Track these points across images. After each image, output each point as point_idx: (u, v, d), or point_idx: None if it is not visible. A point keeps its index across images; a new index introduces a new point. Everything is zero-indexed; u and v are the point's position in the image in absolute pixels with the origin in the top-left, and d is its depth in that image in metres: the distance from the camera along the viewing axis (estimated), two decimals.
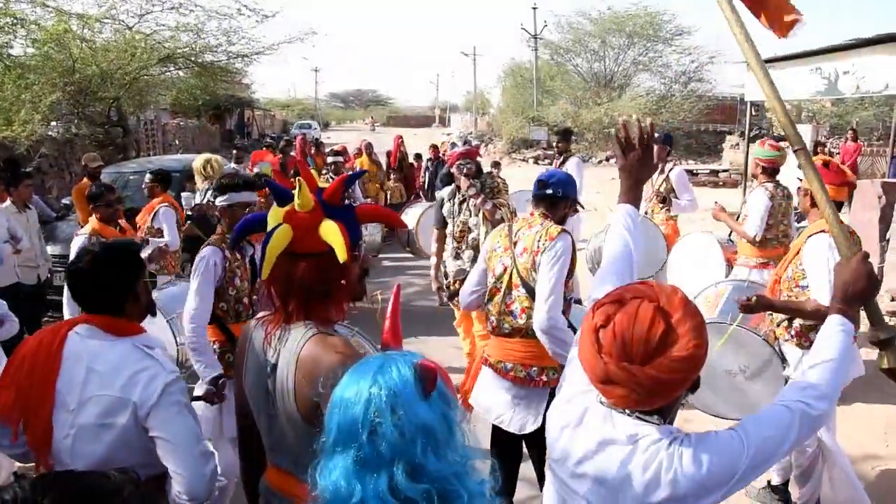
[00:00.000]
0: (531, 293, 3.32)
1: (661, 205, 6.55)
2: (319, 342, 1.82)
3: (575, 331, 2.96)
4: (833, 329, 1.79)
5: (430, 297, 7.60)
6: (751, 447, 1.51)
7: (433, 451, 1.24)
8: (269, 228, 1.89)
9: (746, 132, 18.39)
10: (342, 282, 1.93)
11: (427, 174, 12.96)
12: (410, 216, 7.91)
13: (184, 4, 18.02)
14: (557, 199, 3.52)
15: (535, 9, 36.06)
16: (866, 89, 10.36)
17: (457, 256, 5.52)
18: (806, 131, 15.82)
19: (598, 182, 18.27)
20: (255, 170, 6.53)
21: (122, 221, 5.77)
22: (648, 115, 29.90)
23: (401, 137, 11.81)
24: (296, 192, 1.87)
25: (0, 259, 5.81)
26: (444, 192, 5.73)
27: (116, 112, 19.05)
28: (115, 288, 2.22)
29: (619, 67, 35.62)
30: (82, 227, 5.74)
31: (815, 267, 3.57)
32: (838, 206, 3.96)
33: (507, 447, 3.43)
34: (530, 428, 3.32)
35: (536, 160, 29.62)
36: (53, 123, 16.48)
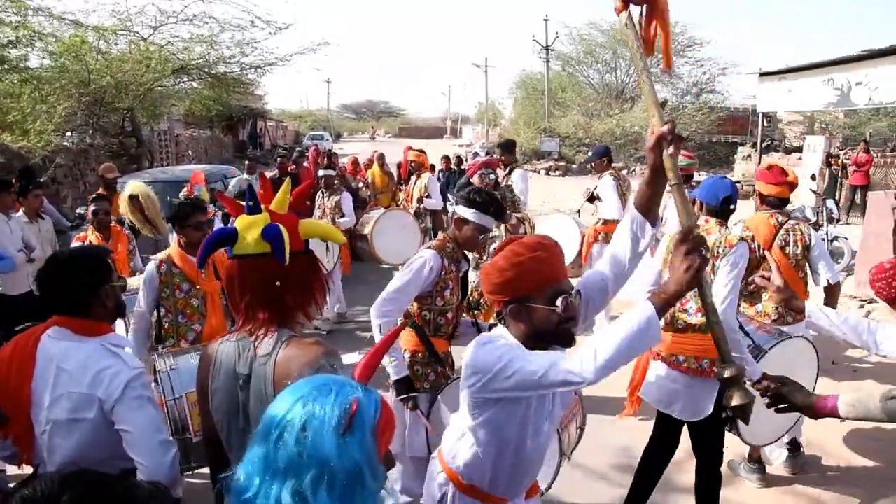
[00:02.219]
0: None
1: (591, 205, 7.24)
2: (295, 344, 1.85)
3: (746, 333, 3.53)
4: (637, 309, 1.89)
5: None
6: (507, 361, 1.96)
7: (327, 490, 1.23)
8: (241, 235, 1.92)
9: (759, 143, 18.36)
10: (314, 284, 1.98)
11: (439, 185, 12.99)
12: (368, 219, 7.96)
13: (198, 16, 18.29)
14: (731, 211, 3.86)
15: (546, 20, 36.13)
16: (879, 100, 10.32)
17: (477, 267, 5.56)
18: (819, 142, 15.73)
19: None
20: (195, 192, 6.27)
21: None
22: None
23: (410, 148, 11.83)
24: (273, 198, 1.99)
25: (14, 266, 5.85)
26: None
27: (130, 122, 19.25)
28: (81, 291, 2.33)
29: (631, 79, 35.60)
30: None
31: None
32: (783, 202, 4.54)
33: (671, 436, 3.76)
34: (703, 415, 3.54)
35: (548, 171, 29.60)
36: (68, 134, 16.68)
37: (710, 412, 3.54)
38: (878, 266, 2.30)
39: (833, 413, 2.15)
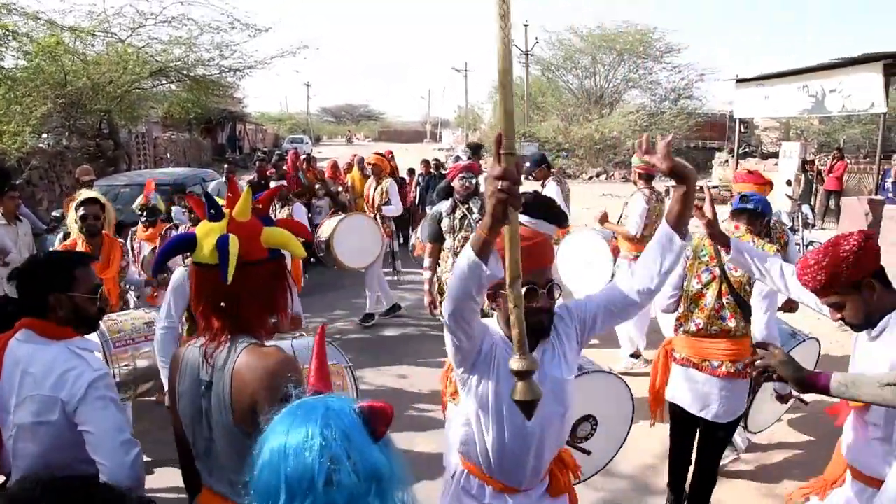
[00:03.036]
0: (741, 304, 3.65)
1: None
2: (253, 352, 1.83)
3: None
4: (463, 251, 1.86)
5: (418, 314, 7.63)
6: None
7: (380, 498, 1.16)
8: (200, 243, 1.90)
9: (736, 149, 18.59)
10: (276, 292, 1.97)
11: (418, 189, 12.96)
12: (326, 227, 7.82)
13: (177, 18, 18.12)
14: (757, 215, 3.93)
15: (526, 26, 36.30)
16: (852, 107, 10.51)
17: None
18: (795, 148, 15.96)
19: (588, 198, 18.34)
20: (152, 201, 6.09)
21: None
22: (639, 131, 30.13)
23: (391, 152, 11.81)
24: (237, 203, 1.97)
25: None
26: (441, 207, 5.76)
27: (108, 125, 19.04)
28: (35, 293, 2.37)
29: (610, 84, 35.88)
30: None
31: None
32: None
33: (692, 434, 3.86)
34: (738, 414, 3.77)
35: (527, 175, 29.71)
36: (44, 136, 16.47)
37: (743, 410, 3.81)
38: (804, 260, 2.38)
39: (824, 390, 2.17)
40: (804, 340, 4.50)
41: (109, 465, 2.16)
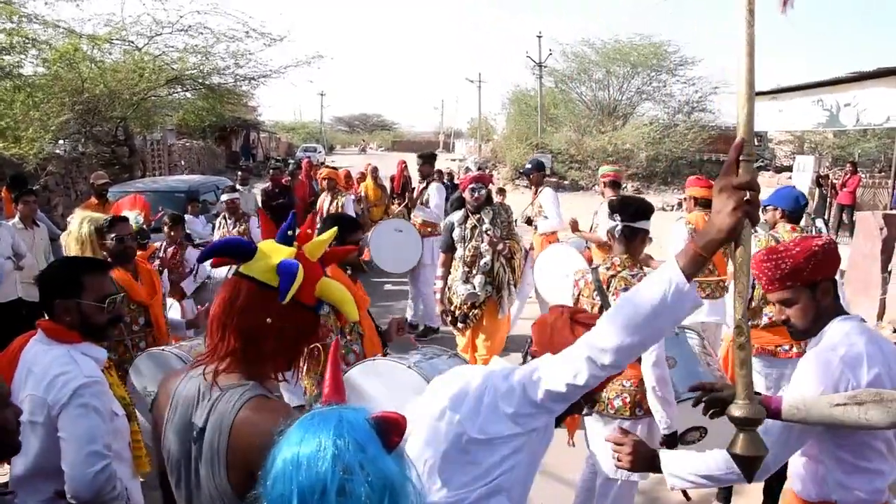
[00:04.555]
0: None
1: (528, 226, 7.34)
2: (259, 406, 1.56)
3: None
4: (660, 274, 1.55)
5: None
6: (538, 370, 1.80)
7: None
8: (259, 256, 1.68)
9: None
10: (301, 345, 1.73)
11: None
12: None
13: (193, 27, 18.27)
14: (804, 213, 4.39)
15: (539, 37, 36.34)
16: (867, 121, 10.45)
17: (466, 281, 5.59)
18: (808, 162, 15.89)
19: (602, 210, 18.25)
20: (133, 222, 5.34)
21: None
22: (652, 143, 30.08)
23: (404, 162, 11.85)
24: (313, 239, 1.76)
25: (0, 276, 5.83)
26: (454, 217, 5.81)
27: (123, 132, 19.22)
28: (46, 294, 2.42)
29: (623, 96, 35.82)
30: None
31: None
32: (708, 203, 5.11)
33: None
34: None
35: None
36: (61, 142, 16.64)
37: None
38: (770, 248, 2.37)
39: (776, 414, 2.05)
40: None
41: (69, 473, 2.15)
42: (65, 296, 2.39)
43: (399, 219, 8.40)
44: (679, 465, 2.22)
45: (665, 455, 2.27)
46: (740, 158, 1.42)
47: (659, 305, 1.51)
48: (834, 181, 15.90)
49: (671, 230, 6.06)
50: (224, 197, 7.45)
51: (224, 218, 7.43)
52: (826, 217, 14.63)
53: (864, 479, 2.16)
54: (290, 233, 1.74)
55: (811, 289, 2.26)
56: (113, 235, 4.02)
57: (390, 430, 1.18)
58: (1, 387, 1.75)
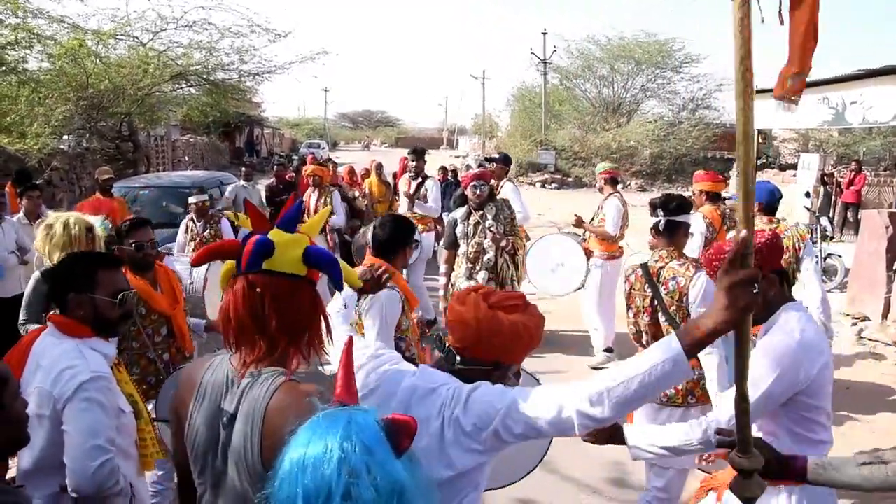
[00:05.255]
0: None
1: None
2: (291, 390, 1.59)
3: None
4: (661, 346, 1.62)
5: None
6: (505, 408, 1.74)
7: None
8: (280, 249, 1.66)
9: (754, 160, 18.43)
10: (316, 322, 1.74)
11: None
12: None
13: (198, 23, 18.27)
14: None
15: (545, 34, 36.30)
16: (873, 119, 10.40)
17: (469, 277, 5.61)
18: (813, 160, 15.83)
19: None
20: (99, 228, 4.92)
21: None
22: (657, 141, 30.01)
23: (406, 159, 11.81)
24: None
25: (2, 273, 5.85)
26: (457, 214, 5.86)
27: (128, 127, 19.24)
28: (59, 288, 2.43)
29: (628, 93, 35.78)
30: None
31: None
32: (718, 196, 5.74)
33: None
34: None
35: (544, 184, 29.68)
36: (65, 137, 16.66)
37: None
38: (718, 246, 2.52)
39: (801, 473, 2.02)
40: None
41: (71, 466, 2.15)
42: (78, 290, 2.40)
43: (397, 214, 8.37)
44: (642, 438, 2.35)
45: (629, 428, 2.40)
46: (743, 252, 1.48)
47: (659, 381, 1.58)
48: (839, 179, 15.84)
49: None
50: (192, 199, 7.03)
51: (192, 220, 7.00)
52: (831, 215, 14.59)
53: (813, 449, 2.34)
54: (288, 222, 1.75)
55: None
56: (132, 241, 3.74)
57: (400, 432, 1.16)
58: (10, 379, 1.74)
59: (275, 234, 1.68)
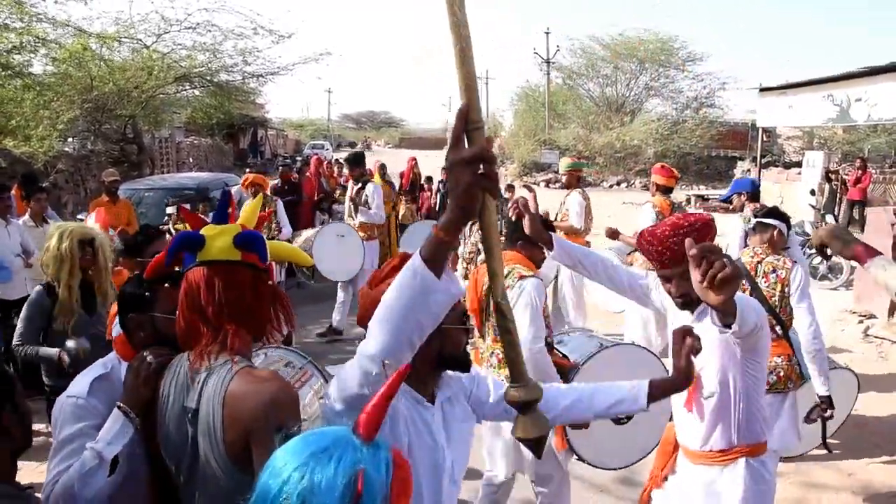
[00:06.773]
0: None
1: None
2: (246, 376, 1.65)
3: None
4: (405, 267, 1.45)
5: None
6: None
7: None
8: (209, 242, 1.77)
9: (758, 158, 18.41)
10: (263, 303, 1.82)
11: (439, 196, 13.01)
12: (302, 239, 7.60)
13: (201, 25, 18.31)
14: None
15: (548, 33, 36.33)
16: (878, 116, 10.38)
17: (466, 277, 5.59)
18: (818, 158, 15.80)
19: (610, 206, 18.26)
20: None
21: None
22: (660, 139, 29.97)
23: (414, 159, 11.83)
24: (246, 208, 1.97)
25: (10, 277, 5.87)
26: None
27: (132, 129, 19.29)
28: (119, 310, 2.25)
29: (631, 92, 35.75)
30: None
31: None
32: (669, 190, 6.25)
33: None
34: None
35: (547, 184, 29.66)
36: (70, 140, 16.71)
37: None
38: (656, 229, 2.55)
39: (860, 257, 2.33)
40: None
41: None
42: (138, 310, 2.20)
43: (339, 223, 8.08)
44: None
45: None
46: (468, 129, 1.29)
47: (409, 299, 1.41)
48: (844, 177, 15.80)
49: (639, 213, 6.63)
50: (170, 210, 7.03)
51: (170, 232, 6.76)
52: (836, 213, 14.54)
53: (759, 425, 2.60)
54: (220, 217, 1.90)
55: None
56: (151, 252, 3.41)
57: (358, 497, 1.02)
58: (16, 379, 1.70)
59: (205, 229, 1.82)
